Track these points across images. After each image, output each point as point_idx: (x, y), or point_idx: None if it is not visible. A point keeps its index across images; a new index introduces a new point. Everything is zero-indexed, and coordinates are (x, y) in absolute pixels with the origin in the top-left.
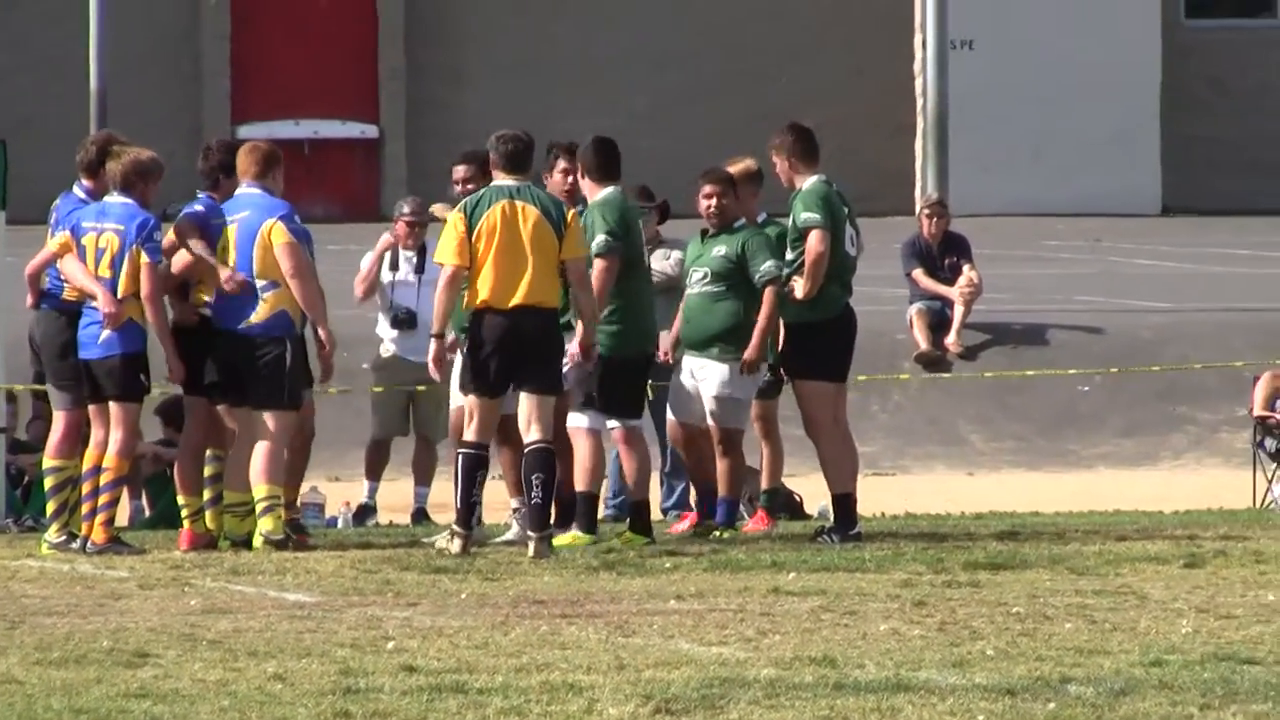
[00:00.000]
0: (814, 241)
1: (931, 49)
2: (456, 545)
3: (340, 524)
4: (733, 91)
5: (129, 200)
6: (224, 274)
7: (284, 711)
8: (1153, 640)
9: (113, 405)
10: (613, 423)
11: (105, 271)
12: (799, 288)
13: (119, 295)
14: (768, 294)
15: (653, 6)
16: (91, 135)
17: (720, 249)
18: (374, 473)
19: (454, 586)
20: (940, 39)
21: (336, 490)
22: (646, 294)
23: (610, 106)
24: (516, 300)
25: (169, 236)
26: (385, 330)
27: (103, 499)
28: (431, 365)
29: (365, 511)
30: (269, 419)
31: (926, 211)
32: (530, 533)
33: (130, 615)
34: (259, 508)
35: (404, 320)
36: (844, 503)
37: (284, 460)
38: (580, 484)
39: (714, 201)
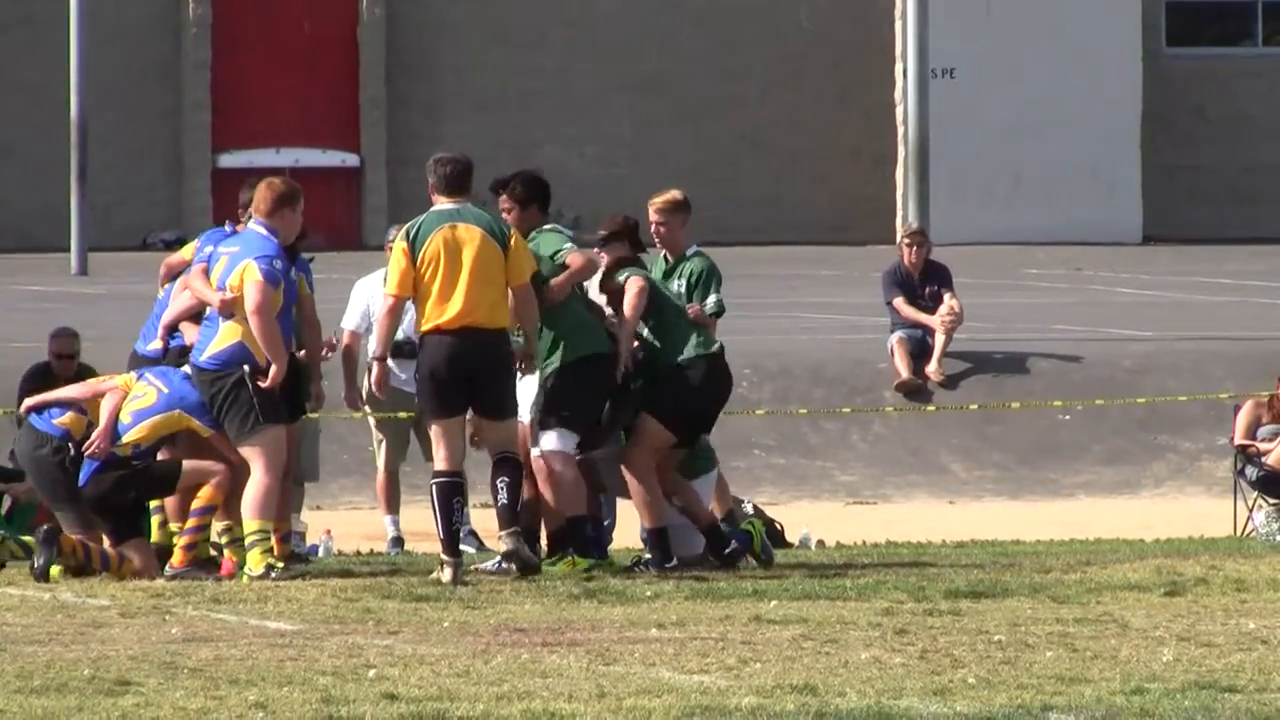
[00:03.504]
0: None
1: (912, 78)
2: (447, 574)
3: (321, 552)
4: (715, 119)
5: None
6: (216, 298)
7: None
8: (1134, 668)
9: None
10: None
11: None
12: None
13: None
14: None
15: (633, 35)
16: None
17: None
18: (393, 505)
19: (435, 615)
20: (921, 68)
21: (318, 519)
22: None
23: (593, 135)
24: (463, 322)
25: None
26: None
27: (190, 523)
28: (374, 387)
29: (397, 544)
30: (251, 451)
31: (907, 240)
32: (500, 532)
33: (111, 644)
34: (246, 541)
35: (403, 349)
36: (659, 536)
37: (275, 493)
38: (569, 508)
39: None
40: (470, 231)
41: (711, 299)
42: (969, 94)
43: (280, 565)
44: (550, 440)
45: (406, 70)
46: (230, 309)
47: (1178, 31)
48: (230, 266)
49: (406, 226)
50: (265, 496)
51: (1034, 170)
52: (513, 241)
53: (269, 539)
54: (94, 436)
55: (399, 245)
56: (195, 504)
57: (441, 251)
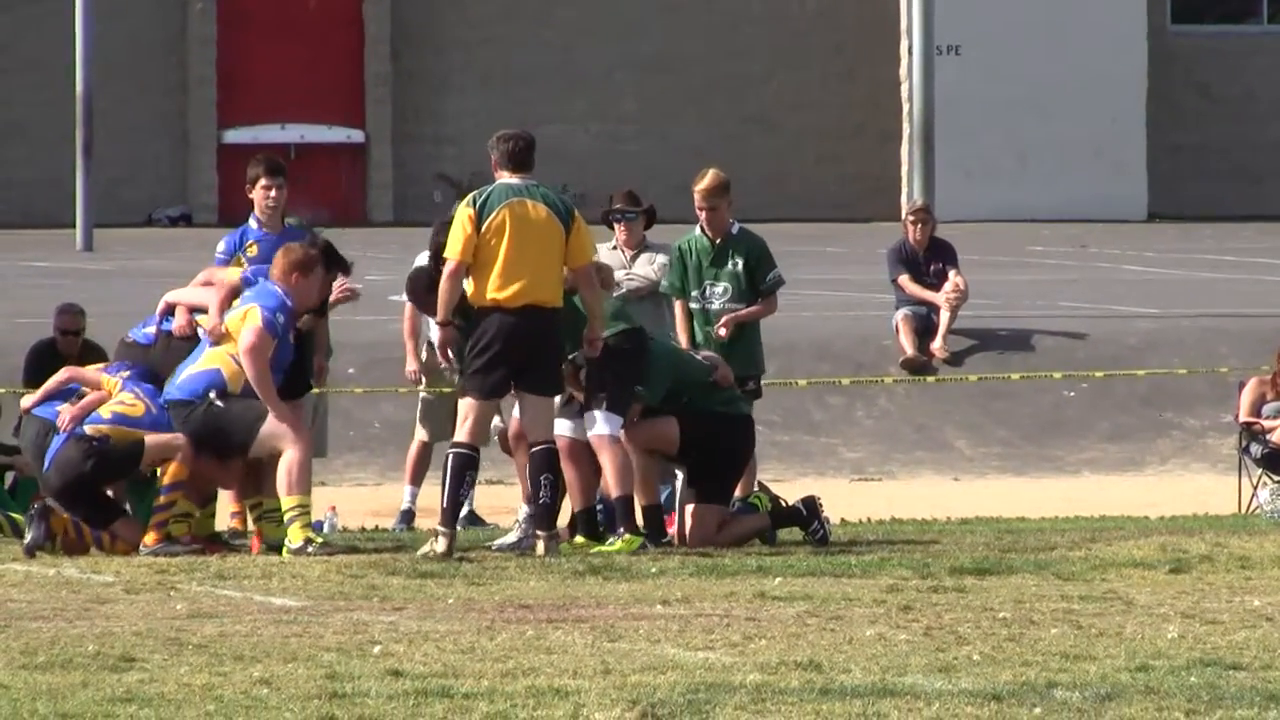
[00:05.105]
0: None
1: (918, 54)
2: (441, 545)
3: (325, 528)
4: (720, 96)
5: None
6: (212, 324)
7: (270, 716)
8: (1138, 645)
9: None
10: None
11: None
12: None
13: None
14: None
15: (639, 12)
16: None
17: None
18: (418, 478)
19: (440, 591)
20: (926, 44)
21: (322, 494)
22: None
23: (597, 111)
24: (525, 300)
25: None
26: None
27: (160, 500)
28: (439, 352)
29: (407, 517)
30: (271, 433)
31: (912, 218)
32: (539, 531)
33: (116, 619)
34: (285, 517)
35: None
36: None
37: (307, 464)
38: (618, 489)
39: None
40: (537, 209)
41: (773, 274)
42: (974, 71)
43: (320, 540)
44: (595, 425)
45: (412, 46)
46: (217, 337)
47: (1183, 9)
48: (237, 306)
49: (473, 194)
50: (298, 470)
51: (1039, 147)
52: (575, 222)
53: (308, 513)
54: (67, 410)
55: (464, 211)
56: (163, 481)
57: (508, 225)
